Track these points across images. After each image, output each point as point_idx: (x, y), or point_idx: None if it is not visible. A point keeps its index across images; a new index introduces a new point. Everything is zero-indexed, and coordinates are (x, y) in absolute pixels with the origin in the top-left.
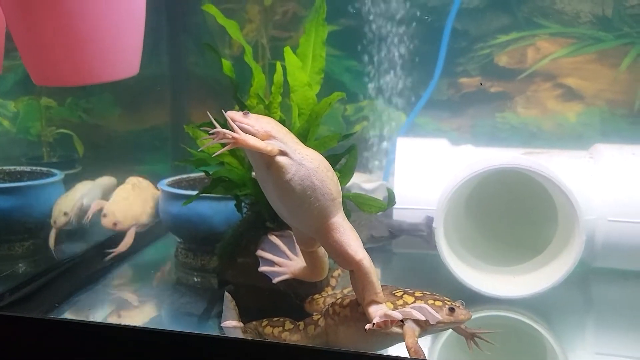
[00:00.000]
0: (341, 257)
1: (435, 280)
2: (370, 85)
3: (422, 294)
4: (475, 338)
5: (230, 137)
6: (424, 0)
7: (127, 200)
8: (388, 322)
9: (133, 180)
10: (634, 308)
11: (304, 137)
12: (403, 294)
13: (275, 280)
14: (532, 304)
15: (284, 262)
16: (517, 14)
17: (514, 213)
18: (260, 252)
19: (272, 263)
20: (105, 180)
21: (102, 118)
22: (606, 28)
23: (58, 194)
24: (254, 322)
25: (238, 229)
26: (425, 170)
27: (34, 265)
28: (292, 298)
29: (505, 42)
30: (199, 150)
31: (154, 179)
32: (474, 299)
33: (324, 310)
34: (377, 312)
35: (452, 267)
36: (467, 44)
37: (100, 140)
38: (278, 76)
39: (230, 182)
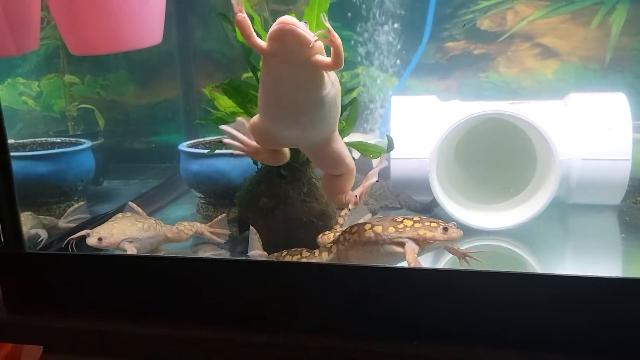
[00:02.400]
0: (338, 162)
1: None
2: (365, 53)
3: (419, 218)
4: (466, 257)
5: (333, 36)
6: None
7: (113, 221)
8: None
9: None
10: (606, 235)
11: None
12: (403, 219)
13: (236, 151)
14: (516, 235)
15: (248, 141)
16: None
17: (499, 157)
18: (224, 127)
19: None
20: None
21: (119, 94)
22: None
23: (88, 160)
24: (275, 253)
25: (255, 178)
26: (417, 123)
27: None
28: (315, 230)
29: (486, 7)
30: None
31: (169, 148)
32: (464, 231)
33: (335, 239)
34: (349, 195)
35: (445, 205)
36: (451, 10)
37: (118, 114)
38: None
39: None
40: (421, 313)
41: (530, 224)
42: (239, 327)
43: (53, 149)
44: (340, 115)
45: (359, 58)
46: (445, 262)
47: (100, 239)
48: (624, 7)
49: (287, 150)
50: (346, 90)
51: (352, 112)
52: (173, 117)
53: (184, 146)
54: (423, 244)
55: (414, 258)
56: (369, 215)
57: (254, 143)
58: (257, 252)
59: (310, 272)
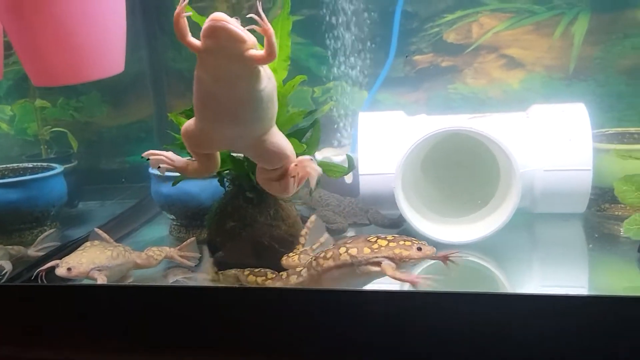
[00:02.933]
0: (279, 155)
1: (400, 233)
2: (334, 68)
3: (393, 237)
4: (448, 260)
5: (265, 24)
6: None
7: (82, 250)
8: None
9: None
10: (572, 244)
11: None
12: (377, 239)
13: (162, 170)
14: (482, 248)
15: (173, 156)
16: None
17: (465, 170)
18: (148, 154)
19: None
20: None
21: (92, 115)
22: (539, 1)
23: (60, 185)
24: (234, 270)
25: (222, 201)
26: (384, 139)
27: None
28: (278, 254)
29: (451, 21)
30: None
31: (144, 168)
32: (432, 246)
33: (307, 262)
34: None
35: (412, 220)
36: (417, 24)
37: (92, 135)
38: None
39: None
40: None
41: (497, 236)
42: (200, 352)
43: (25, 174)
44: (302, 136)
45: (329, 73)
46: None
47: (69, 269)
48: (585, 17)
49: (218, 158)
50: (318, 105)
51: (314, 133)
52: (146, 137)
53: (154, 170)
54: (399, 262)
55: (394, 272)
56: (326, 234)
57: (179, 157)
58: (202, 275)
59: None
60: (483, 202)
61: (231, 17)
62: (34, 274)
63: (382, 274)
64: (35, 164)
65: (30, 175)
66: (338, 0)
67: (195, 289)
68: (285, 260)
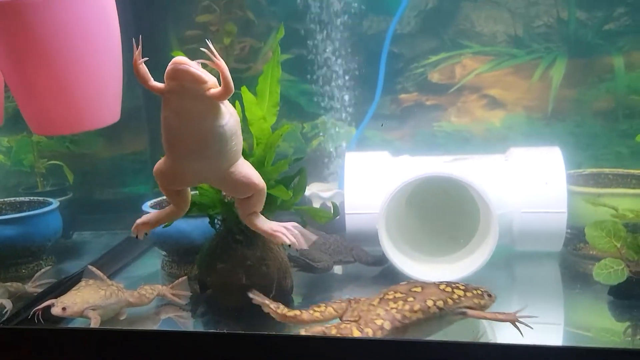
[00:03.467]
0: (248, 185)
1: (383, 272)
2: (323, 105)
3: (464, 287)
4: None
5: (218, 60)
6: (364, 29)
7: (76, 290)
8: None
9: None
10: (550, 281)
11: (262, 162)
12: (452, 290)
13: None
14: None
15: (151, 216)
16: (444, 37)
17: (447, 210)
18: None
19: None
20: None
21: (87, 147)
22: (519, 46)
23: (56, 220)
24: (318, 327)
25: (213, 242)
26: (369, 179)
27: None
28: (267, 292)
29: (435, 62)
30: None
31: (138, 198)
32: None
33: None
34: (265, 224)
35: (394, 260)
36: (403, 64)
37: (87, 167)
38: (237, 110)
39: (203, 204)
40: None
41: (478, 273)
42: None
43: (22, 209)
44: (290, 183)
45: (318, 109)
46: None
47: (64, 309)
48: (562, 61)
49: (189, 196)
50: (307, 140)
51: (301, 180)
52: (140, 169)
53: (147, 207)
54: (480, 310)
55: (485, 314)
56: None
57: (155, 213)
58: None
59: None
60: (464, 241)
61: (195, 59)
62: (31, 313)
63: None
64: (31, 198)
65: (27, 210)
66: (326, 40)
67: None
68: (311, 314)
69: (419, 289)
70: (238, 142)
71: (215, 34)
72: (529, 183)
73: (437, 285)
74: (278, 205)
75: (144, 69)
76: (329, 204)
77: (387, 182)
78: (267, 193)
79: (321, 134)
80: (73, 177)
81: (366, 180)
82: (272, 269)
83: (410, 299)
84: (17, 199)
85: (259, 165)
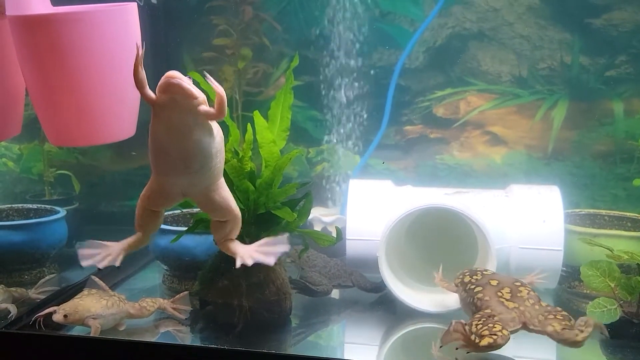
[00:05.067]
0: (225, 209)
1: (381, 299)
2: (329, 132)
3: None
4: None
5: (217, 87)
6: (373, 61)
7: (78, 298)
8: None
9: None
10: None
11: (270, 184)
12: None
13: (117, 264)
14: (458, 317)
15: (105, 248)
16: (450, 74)
17: (447, 240)
18: (82, 256)
19: (93, 259)
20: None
21: (96, 159)
22: (522, 86)
23: (62, 229)
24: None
25: (216, 260)
26: (372, 206)
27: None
28: (264, 314)
29: (441, 96)
30: None
31: None
32: (411, 314)
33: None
34: (237, 248)
35: (393, 288)
36: (410, 97)
37: (95, 178)
38: (248, 135)
39: (209, 222)
40: None
41: None
42: None
43: (29, 215)
44: (295, 206)
45: (325, 136)
46: None
47: (65, 316)
48: (564, 103)
49: (162, 219)
50: (312, 164)
51: (306, 204)
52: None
53: None
54: None
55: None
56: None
57: (115, 244)
58: None
59: None
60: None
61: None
62: (33, 319)
63: None
64: (39, 205)
65: (33, 217)
66: (337, 69)
67: None
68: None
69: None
70: (221, 160)
71: (230, 57)
72: (528, 220)
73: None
74: (282, 226)
75: (143, 74)
76: (330, 229)
77: (389, 211)
78: (272, 214)
79: (326, 159)
80: (80, 187)
81: (369, 208)
82: (272, 290)
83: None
84: (25, 205)
85: (266, 187)
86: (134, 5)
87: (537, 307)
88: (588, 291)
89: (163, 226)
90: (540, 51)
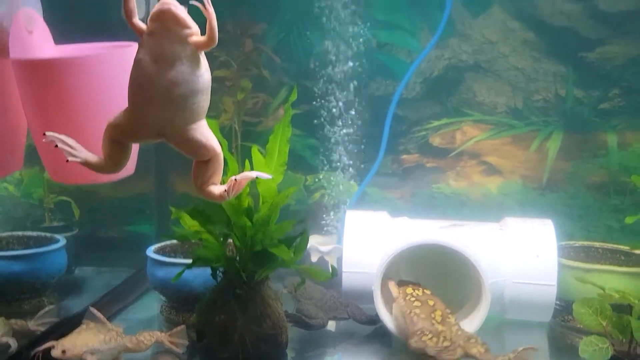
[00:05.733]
0: (206, 148)
1: (376, 331)
2: (327, 160)
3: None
4: None
5: (209, 7)
6: (371, 90)
7: (77, 332)
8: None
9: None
10: (538, 352)
11: (267, 221)
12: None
13: (70, 158)
14: None
15: (76, 146)
16: (446, 104)
17: (441, 275)
18: (50, 134)
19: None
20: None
21: (96, 186)
22: (518, 117)
23: (61, 259)
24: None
25: (213, 293)
26: (368, 239)
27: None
28: (261, 347)
29: (437, 126)
30: None
31: (140, 237)
32: (406, 348)
33: None
34: (217, 190)
35: (387, 322)
36: (406, 127)
37: (94, 204)
38: (246, 168)
39: (207, 258)
40: None
41: None
42: None
43: (29, 243)
44: (292, 243)
45: (322, 164)
46: None
47: (64, 351)
48: (558, 135)
49: (129, 154)
50: (309, 192)
51: (302, 241)
52: (145, 210)
53: (151, 252)
54: None
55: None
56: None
57: (82, 148)
58: None
59: None
60: (457, 306)
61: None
62: (32, 354)
63: None
64: (39, 233)
65: (34, 245)
66: (335, 98)
67: None
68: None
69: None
70: (206, 99)
71: (230, 88)
72: (522, 254)
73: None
74: (279, 263)
75: (133, 4)
76: (327, 259)
77: (385, 243)
78: (269, 251)
79: (323, 187)
80: (80, 213)
81: (365, 240)
82: (269, 324)
83: None
84: (25, 233)
85: (263, 224)
86: (136, 45)
87: (460, 332)
88: (580, 325)
89: (161, 258)
90: (535, 83)
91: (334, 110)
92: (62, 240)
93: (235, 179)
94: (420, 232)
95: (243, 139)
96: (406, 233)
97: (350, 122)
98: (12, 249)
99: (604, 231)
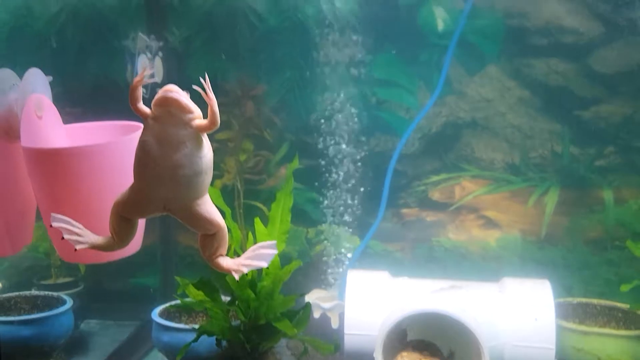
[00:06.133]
0: (211, 222)
1: None
2: (328, 213)
3: None
4: None
5: (210, 94)
6: (371, 146)
7: None
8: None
9: None
10: None
11: (270, 295)
12: None
13: (78, 247)
14: None
15: (81, 231)
16: (445, 159)
17: (441, 337)
18: (56, 224)
19: (64, 227)
20: None
21: None
22: (515, 173)
23: (68, 320)
24: None
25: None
26: (369, 301)
27: None
28: None
29: (436, 181)
30: None
31: (145, 290)
32: None
33: None
34: (228, 263)
35: None
36: (406, 181)
37: None
38: (250, 244)
39: (212, 332)
40: None
41: None
42: None
43: (37, 303)
44: (294, 317)
45: (323, 217)
46: None
47: None
48: (555, 191)
49: (136, 229)
50: (311, 245)
51: (304, 313)
52: (149, 263)
53: (156, 315)
54: None
55: None
56: None
57: (89, 233)
58: None
59: None
60: None
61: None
62: None
63: None
64: (46, 292)
65: (41, 305)
66: (335, 154)
67: None
68: None
69: None
70: (209, 176)
71: (232, 149)
72: (521, 317)
73: None
74: (282, 334)
75: (139, 92)
76: (329, 315)
77: (386, 304)
78: (272, 325)
79: (325, 240)
80: (85, 267)
81: (366, 302)
82: None
83: None
84: (32, 293)
85: (267, 298)
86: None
87: None
88: None
89: (166, 322)
90: (531, 140)
91: (334, 164)
92: (69, 301)
93: (244, 265)
94: (419, 297)
95: (245, 197)
96: (407, 295)
97: (350, 176)
98: (20, 309)
99: (603, 284)
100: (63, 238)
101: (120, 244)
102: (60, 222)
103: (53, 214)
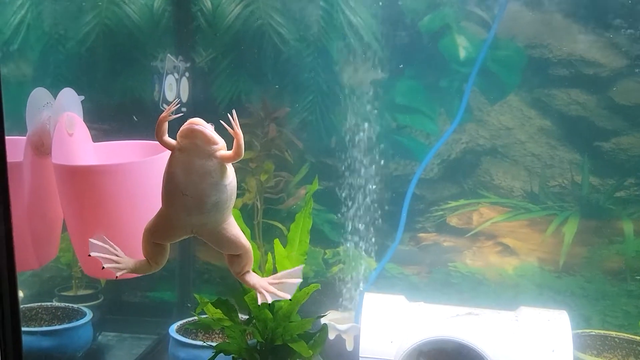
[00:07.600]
0: (237, 244)
1: None
2: (346, 235)
3: None
4: None
5: (237, 129)
6: (390, 170)
7: None
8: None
9: None
10: None
11: (287, 316)
12: None
13: (118, 274)
14: None
15: (119, 258)
16: (464, 186)
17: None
18: (94, 254)
19: (102, 254)
20: None
21: None
22: (534, 201)
23: (87, 333)
24: None
25: None
26: (385, 324)
27: None
28: None
29: (455, 207)
30: None
31: (163, 304)
32: None
33: None
34: (254, 281)
35: None
36: (424, 206)
37: None
38: (269, 265)
39: (229, 351)
40: None
41: None
42: None
43: (57, 314)
44: (310, 339)
45: (341, 239)
46: None
47: None
48: (574, 220)
49: (167, 253)
50: (327, 266)
51: (321, 336)
52: (168, 277)
53: (173, 331)
54: None
55: None
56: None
57: (126, 258)
58: None
59: None
60: None
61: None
62: None
63: None
64: (66, 304)
65: (61, 316)
66: (355, 177)
67: None
68: None
69: None
70: (233, 200)
71: (254, 169)
72: (538, 348)
73: None
74: (298, 355)
75: (165, 126)
76: (345, 337)
77: (402, 330)
78: (288, 346)
79: (342, 261)
80: (105, 282)
81: (382, 326)
82: None
83: None
84: (53, 304)
85: (284, 319)
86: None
87: None
88: None
89: (183, 339)
90: (551, 169)
91: (353, 187)
92: (89, 313)
93: (269, 292)
94: (436, 323)
95: (264, 216)
96: (423, 321)
97: (369, 199)
98: (41, 320)
99: (622, 315)
100: (103, 268)
101: (157, 267)
102: (99, 250)
103: (91, 240)
